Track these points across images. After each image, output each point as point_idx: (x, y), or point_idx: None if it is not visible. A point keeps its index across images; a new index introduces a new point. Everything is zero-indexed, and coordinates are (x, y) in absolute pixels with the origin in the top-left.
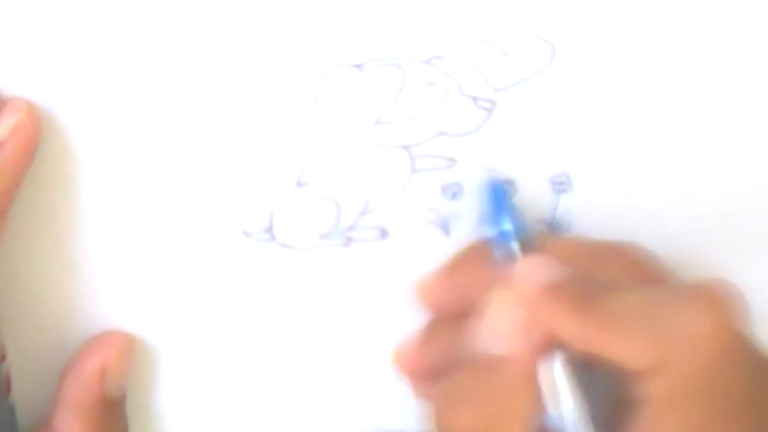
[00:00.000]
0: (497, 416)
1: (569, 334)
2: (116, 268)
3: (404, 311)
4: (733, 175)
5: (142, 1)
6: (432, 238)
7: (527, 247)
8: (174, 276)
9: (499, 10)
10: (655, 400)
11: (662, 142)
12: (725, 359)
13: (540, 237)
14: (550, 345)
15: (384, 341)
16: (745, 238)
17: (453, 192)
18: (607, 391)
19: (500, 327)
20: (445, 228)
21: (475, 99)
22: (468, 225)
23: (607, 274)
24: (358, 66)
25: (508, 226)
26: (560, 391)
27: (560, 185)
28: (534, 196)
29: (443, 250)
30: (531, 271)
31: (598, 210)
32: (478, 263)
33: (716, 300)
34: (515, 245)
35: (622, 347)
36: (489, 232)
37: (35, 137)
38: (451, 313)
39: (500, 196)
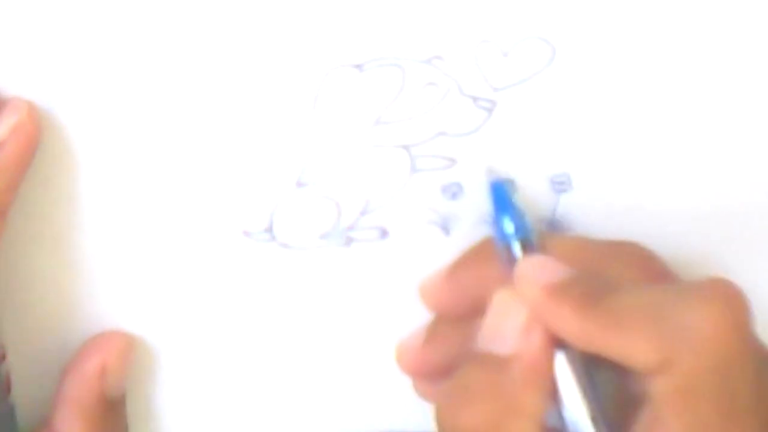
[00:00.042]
0: (503, 415)
1: (573, 334)
2: (116, 268)
3: (405, 311)
4: (733, 175)
5: (142, 1)
6: (432, 238)
7: (529, 246)
8: (174, 276)
9: (499, 10)
10: (661, 398)
11: (662, 142)
12: (730, 357)
13: (542, 236)
14: (554, 344)
15: (384, 341)
16: (745, 238)
17: (453, 192)
18: (613, 390)
19: (503, 327)
20: (445, 228)
21: (475, 99)
22: (468, 225)
23: (611, 273)
24: (358, 66)
25: (509, 226)
26: (566, 389)
27: (560, 185)
28: (534, 196)
29: (443, 250)
30: (532, 272)
31: (598, 210)
32: (481, 263)
33: (721, 298)
34: (517, 245)
35: (627, 346)
36: (491, 232)
37: (35, 137)
38: (456, 313)
39: (502, 196)
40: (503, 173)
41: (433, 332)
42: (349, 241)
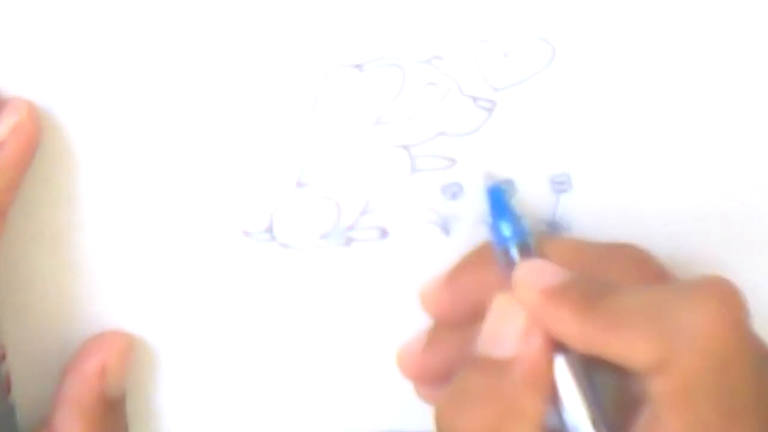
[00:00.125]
0: (503, 418)
1: (572, 337)
2: (116, 268)
3: (405, 311)
4: (733, 175)
5: (142, 1)
6: (432, 238)
7: (527, 250)
8: (174, 276)
9: (499, 10)
10: (660, 397)
11: (662, 142)
12: (728, 355)
13: (541, 239)
14: (553, 347)
15: (384, 341)
16: (745, 238)
17: (453, 192)
18: (613, 392)
19: (502, 331)
20: (445, 228)
21: (475, 99)
22: (468, 225)
23: (609, 275)
24: (358, 66)
25: (507, 230)
26: (565, 392)
27: (560, 185)
28: (534, 196)
29: (443, 250)
30: (530, 276)
31: (598, 210)
32: (480, 268)
33: (717, 296)
34: (514, 249)
35: (625, 347)
36: (489, 236)
37: (35, 137)
38: (456, 319)
39: (499, 201)
40: (501, 176)
41: (433, 337)
42: (349, 241)
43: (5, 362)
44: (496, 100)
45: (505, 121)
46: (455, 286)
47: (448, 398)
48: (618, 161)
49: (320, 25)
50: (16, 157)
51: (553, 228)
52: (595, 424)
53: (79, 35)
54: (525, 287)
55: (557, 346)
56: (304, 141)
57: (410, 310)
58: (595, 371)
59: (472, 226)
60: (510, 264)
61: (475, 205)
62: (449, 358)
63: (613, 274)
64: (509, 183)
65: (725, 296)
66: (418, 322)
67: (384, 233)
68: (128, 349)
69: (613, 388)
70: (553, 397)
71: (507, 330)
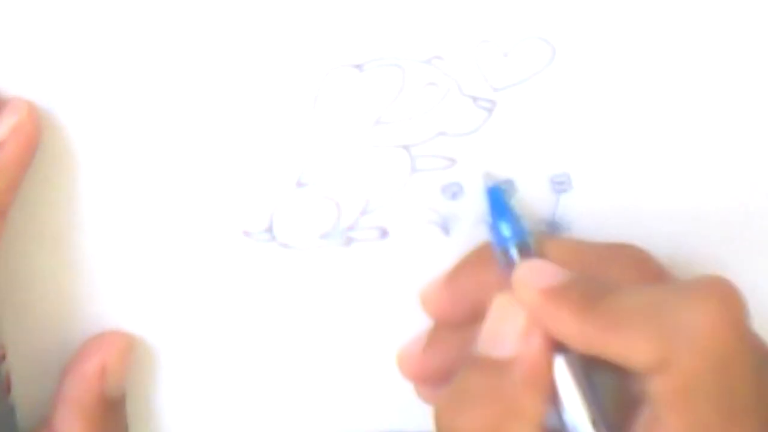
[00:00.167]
0: (503, 418)
1: (572, 337)
2: (116, 268)
3: (405, 311)
4: (733, 175)
5: (142, 1)
6: (432, 238)
7: (526, 250)
8: (174, 276)
9: (499, 10)
10: (659, 397)
11: (662, 142)
12: (728, 354)
13: (541, 239)
14: (553, 347)
15: (384, 341)
16: (745, 238)
17: (453, 192)
18: (613, 392)
19: (502, 331)
20: (445, 228)
21: (475, 99)
22: (468, 225)
23: (608, 275)
24: (358, 66)
25: (506, 230)
26: (565, 392)
27: (560, 185)
28: (534, 196)
29: (443, 250)
30: (530, 276)
31: (598, 210)
32: (480, 268)
33: (717, 295)
34: (514, 250)
35: (625, 346)
36: (489, 237)
37: (35, 137)
38: (456, 319)
39: (498, 201)
40: (501, 176)
41: (433, 338)
42: (349, 241)
43: (5, 362)
44: (496, 100)
45: (505, 121)
46: (455, 286)
47: (447, 398)
48: (618, 161)
49: (320, 25)
50: (16, 157)
51: (553, 228)
52: (594, 424)
53: (79, 35)
54: (525, 287)
55: (557, 346)
56: (304, 141)
57: (410, 310)
58: (594, 371)
59: (472, 226)
60: (510, 264)
61: (475, 205)
62: (449, 359)
63: (613, 274)
64: (509, 183)
65: (725, 296)
66: (418, 323)
67: (384, 233)
68: (128, 349)
69: (612, 388)
70: (552, 397)
71: (507, 330)
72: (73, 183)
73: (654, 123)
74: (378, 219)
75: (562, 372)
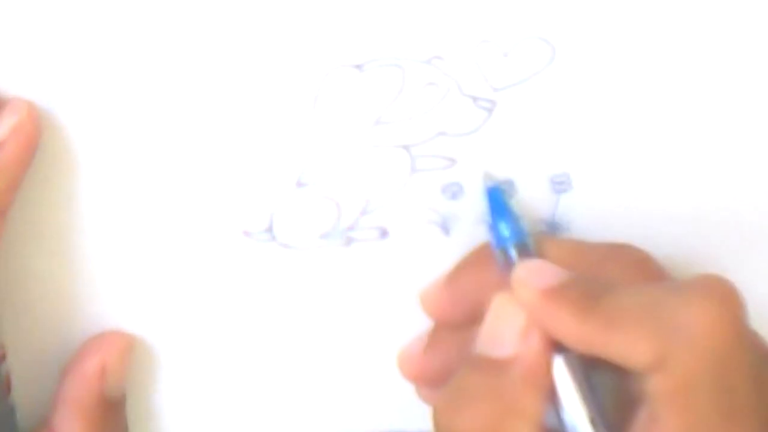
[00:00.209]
0: (501, 418)
1: (571, 337)
2: (116, 268)
3: (405, 311)
4: (733, 175)
5: (142, 2)
6: (432, 238)
7: (525, 251)
8: (174, 276)
9: (499, 10)
10: (658, 396)
11: (662, 142)
12: (726, 353)
13: (540, 239)
14: (552, 347)
15: (384, 341)
16: (745, 238)
17: (453, 192)
18: (612, 392)
19: (501, 331)
20: (445, 228)
21: (475, 99)
22: (468, 225)
23: (607, 275)
24: (358, 66)
25: (506, 230)
26: (564, 392)
27: (560, 185)
28: (534, 196)
29: (443, 250)
30: (529, 276)
31: (598, 210)
32: (479, 269)
33: (715, 294)
34: (513, 250)
35: (623, 346)
36: (488, 237)
37: (35, 137)
38: (456, 320)
39: (498, 201)
40: (500, 177)
41: (433, 339)
42: (349, 241)
43: (5, 362)
44: (496, 100)
45: (505, 121)
46: (455, 286)
47: (446, 398)
48: (618, 161)
49: (320, 25)
50: (16, 157)
51: (552, 228)
52: (593, 423)
53: (79, 35)
54: (524, 287)
55: (556, 345)
56: (304, 141)
57: (410, 310)
58: (594, 371)
59: (472, 226)
60: (509, 264)
61: (475, 205)
62: (450, 359)
63: (613, 274)
64: (509, 183)
65: (723, 295)
66: (418, 323)
67: (384, 233)
68: (128, 349)
69: (612, 388)
70: (551, 396)
71: (506, 330)
72: (73, 183)
73: (654, 123)
74: (378, 219)
75: (561, 372)
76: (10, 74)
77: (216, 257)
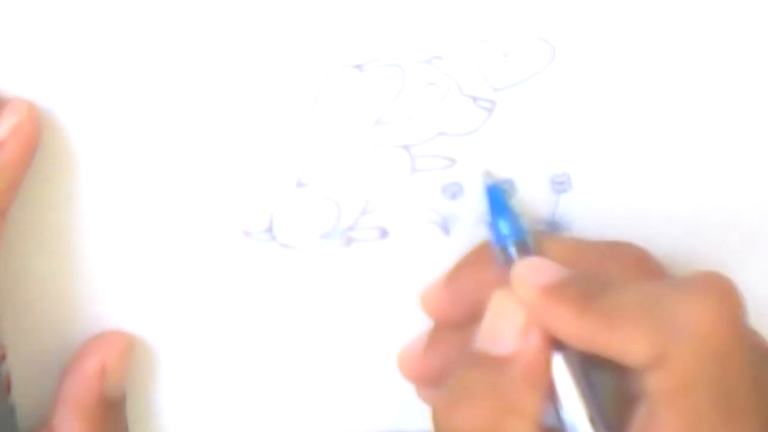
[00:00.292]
0: (501, 415)
1: (570, 334)
2: (116, 269)
3: (405, 311)
4: (733, 175)
5: (142, 2)
6: (432, 238)
7: (525, 249)
8: (174, 276)
9: (499, 10)
10: (656, 393)
11: (662, 142)
12: (726, 351)
13: (540, 238)
14: (552, 345)
15: (384, 341)
16: (745, 238)
17: (453, 192)
18: (611, 390)
19: (501, 328)
20: (445, 228)
21: (475, 99)
22: (468, 225)
23: (607, 273)
24: (358, 66)
25: (505, 229)
26: (564, 390)
27: (560, 185)
28: (534, 196)
29: (443, 250)
30: (528, 273)
31: (598, 210)
32: (479, 267)
33: (714, 291)
34: (513, 248)
35: (622, 343)
36: (488, 235)
37: (35, 137)
38: (456, 319)
39: (497, 199)
40: (500, 176)
41: (433, 338)
42: (349, 241)
43: (5, 362)
44: (496, 100)
45: (505, 121)
46: (455, 286)
47: (446, 396)
48: (618, 161)
49: (320, 25)
50: (16, 157)
51: (552, 228)
52: (592, 421)
53: (79, 35)
54: (523, 284)
55: (555, 343)
56: (304, 141)
57: (410, 310)
58: (593, 369)
59: (472, 226)
60: (509, 262)
61: (475, 205)
62: (450, 359)
63: (612, 272)
64: (509, 183)
65: (722, 292)
66: (418, 323)
67: (384, 233)
68: (128, 349)
69: (611, 386)
70: (551, 394)
71: (506, 327)
72: (73, 183)
73: (654, 123)
74: (378, 219)
75: (561, 369)
76: (10, 74)
77: (216, 257)
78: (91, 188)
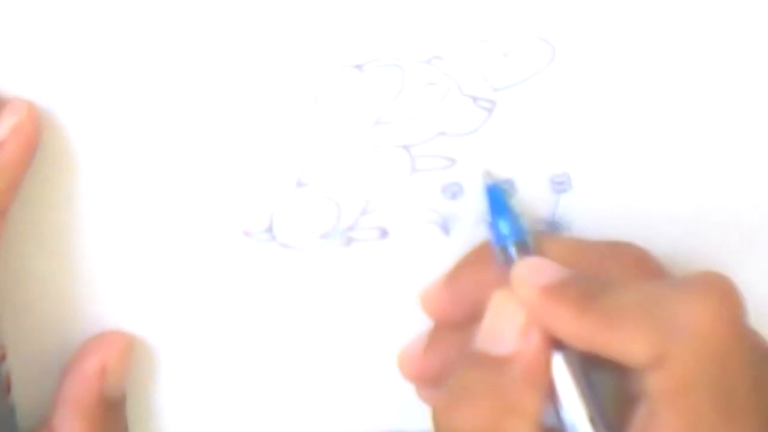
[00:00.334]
0: (501, 415)
1: (570, 334)
2: (116, 269)
3: (405, 311)
4: (733, 175)
5: (142, 2)
6: (432, 238)
7: (525, 249)
8: (174, 276)
9: (499, 10)
10: (656, 393)
11: (662, 142)
12: (726, 351)
13: (540, 238)
14: (552, 345)
15: (384, 341)
16: (745, 238)
17: (453, 192)
18: (611, 390)
19: (501, 328)
20: (445, 228)
21: (475, 99)
22: (468, 225)
23: (607, 273)
24: (358, 66)
25: (505, 229)
26: (563, 390)
27: (560, 185)
28: (534, 196)
29: (443, 250)
30: (528, 273)
31: (598, 210)
32: (479, 267)
33: (715, 291)
34: (513, 248)
35: (622, 343)
36: (488, 235)
37: (35, 137)
38: (456, 319)
39: (497, 199)
40: (500, 176)
41: (433, 338)
42: (349, 241)
43: (5, 362)
44: (496, 100)
45: (505, 121)
46: (455, 286)
47: (445, 396)
48: (618, 161)
49: (320, 25)
50: (16, 157)
51: (552, 228)
52: (592, 421)
53: (79, 35)
54: (523, 284)
55: (555, 343)
56: (304, 141)
57: (410, 310)
58: (593, 369)
59: (472, 226)
60: (509, 262)
61: (475, 205)
62: (450, 360)
63: (612, 272)
64: (509, 183)
65: (723, 292)
66: (418, 323)
67: (384, 233)
68: (128, 349)
69: (611, 386)
70: (551, 394)
71: (505, 327)
72: (73, 183)
73: (654, 123)
74: (378, 219)
75: (561, 369)
76: (10, 74)
77: (216, 257)
78: (91, 188)
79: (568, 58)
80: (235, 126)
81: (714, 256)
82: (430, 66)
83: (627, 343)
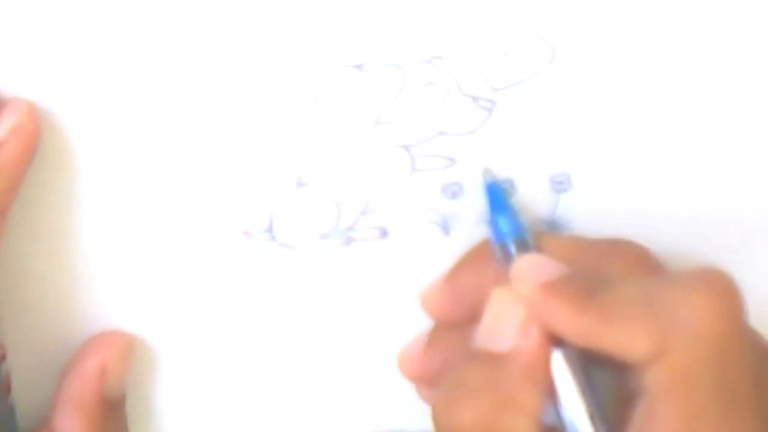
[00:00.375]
0: (500, 412)
1: (569, 330)
2: (116, 268)
3: (405, 311)
4: (733, 175)
5: (142, 2)
6: (432, 237)
7: (525, 246)
8: (174, 276)
9: (499, 10)
10: (655, 389)
11: (662, 142)
12: (725, 346)
13: (540, 236)
14: (551, 342)
15: (384, 341)
16: (745, 238)
17: (453, 192)
18: (611, 387)
19: (500, 325)
20: (445, 228)
21: (475, 99)
22: (468, 224)
23: (606, 270)
24: (358, 66)
25: (505, 227)
26: (563, 387)
27: (560, 185)
28: (534, 195)
29: (443, 249)
30: (528, 270)
31: (597, 209)
32: (479, 266)
33: (714, 287)
34: (513, 245)
35: (621, 338)
36: (488, 234)
37: (35, 137)
38: (456, 319)
39: (497, 197)
40: (500, 175)
41: (433, 338)
42: (349, 241)
43: (5, 362)
44: (496, 100)
45: (505, 121)
46: (455, 285)
47: (445, 392)
48: (618, 161)
49: (320, 25)
50: (16, 157)
51: (552, 228)
52: (592, 418)
53: (79, 35)
54: (523, 281)
55: (555, 340)
56: (304, 141)
57: (410, 310)
58: (592, 366)
59: (472, 226)
60: (508, 260)
61: (475, 205)
62: (450, 359)
63: (612, 270)
64: (509, 182)
65: (722, 288)
66: (418, 323)
67: (384, 233)
68: (128, 349)
69: (610, 383)
70: (550, 391)
71: (505, 323)
72: (73, 183)
73: (654, 123)
74: (378, 219)
75: (560, 366)
76: (10, 74)
77: (216, 257)
78: (91, 188)
79: (568, 58)
80: (236, 126)
81: (714, 256)
82: (430, 66)
83: (626, 339)
